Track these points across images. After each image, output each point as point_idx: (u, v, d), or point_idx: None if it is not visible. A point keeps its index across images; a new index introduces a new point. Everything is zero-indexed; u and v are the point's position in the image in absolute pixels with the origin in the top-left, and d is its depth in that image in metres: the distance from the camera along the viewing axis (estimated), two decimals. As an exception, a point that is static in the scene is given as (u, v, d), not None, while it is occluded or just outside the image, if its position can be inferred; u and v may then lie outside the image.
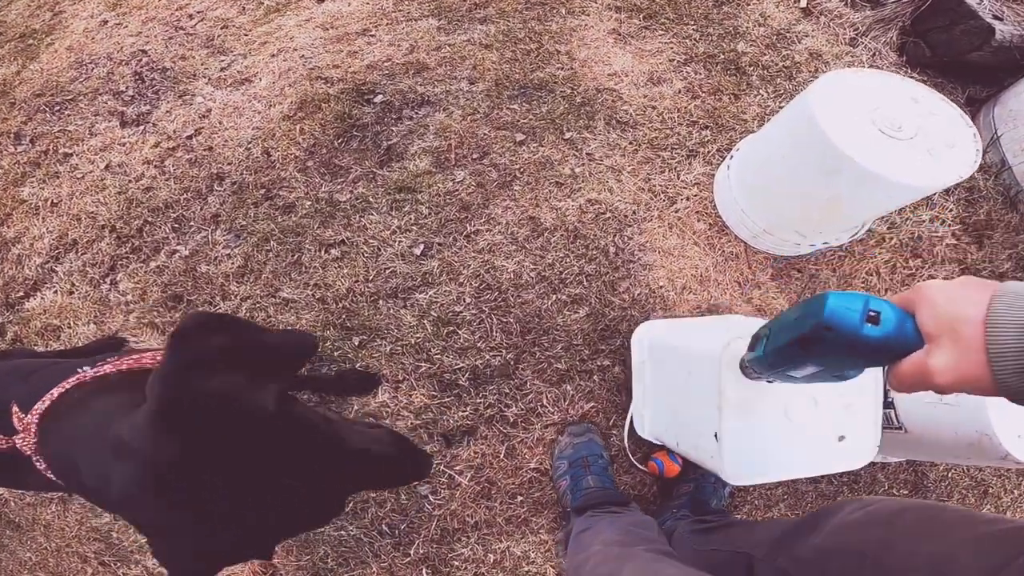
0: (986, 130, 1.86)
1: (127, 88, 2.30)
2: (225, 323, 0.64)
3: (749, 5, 2.24)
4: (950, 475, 1.49)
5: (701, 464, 1.09)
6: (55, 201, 2.04)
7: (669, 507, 1.32)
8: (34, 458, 0.70)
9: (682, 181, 1.73)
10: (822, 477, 1.42)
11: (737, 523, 1.21)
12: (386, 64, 1.99)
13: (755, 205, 1.54)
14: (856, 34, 2.14)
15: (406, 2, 2.22)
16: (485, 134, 1.79)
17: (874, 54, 2.09)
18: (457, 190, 1.70)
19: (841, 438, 0.95)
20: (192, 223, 1.82)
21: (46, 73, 2.62)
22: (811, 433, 0.94)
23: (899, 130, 1.15)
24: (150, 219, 1.87)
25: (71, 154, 2.16)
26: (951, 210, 1.73)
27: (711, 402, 0.95)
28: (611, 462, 1.38)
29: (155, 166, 1.99)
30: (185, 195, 1.88)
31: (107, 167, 2.06)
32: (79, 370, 0.75)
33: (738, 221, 1.62)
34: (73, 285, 1.84)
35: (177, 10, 2.67)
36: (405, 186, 1.72)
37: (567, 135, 1.79)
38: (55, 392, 0.71)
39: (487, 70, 1.93)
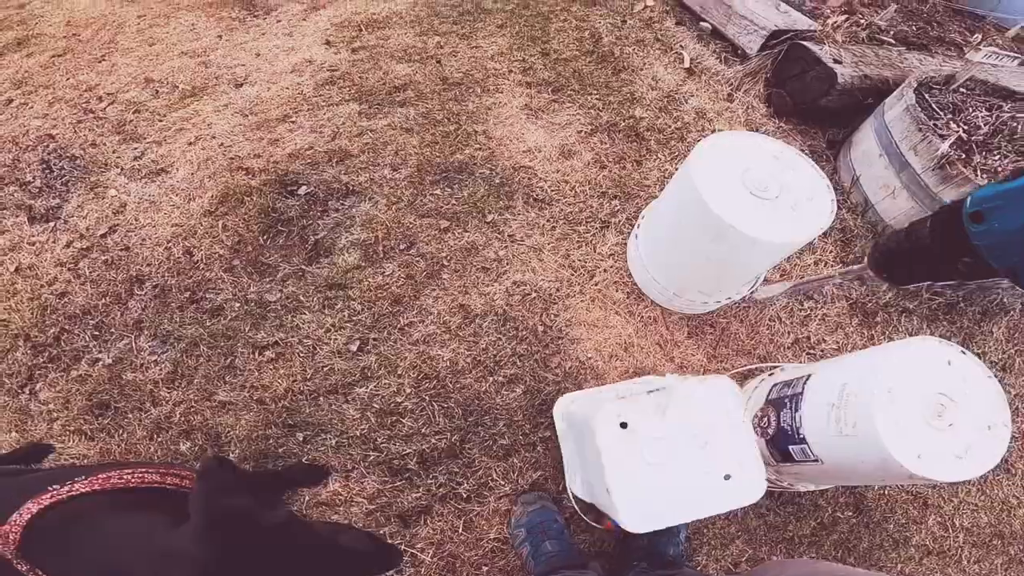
0: (847, 172, 1.99)
1: (34, 178, 2.06)
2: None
3: (642, 71, 2.33)
4: (887, 492, 1.52)
5: (609, 512, 1.10)
6: None
7: (629, 561, 1.30)
8: (15, 562, 0.75)
9: (598, 254, 1.75)
10: (768, 509, 1.44)
11: None
12: (309, 152, 1.89)
13: (661, 271, 1.59)
14: (731, 89, 2.28)
15: (326, 87, 2.15)
16: (411, 223, 1.74)
17: (747, 108, 2.23)
18: (387, 283, 1.64)
19: (727, 477, 1.01)
20: (113, 329, 1.66)
21: (-58, 161, 2.35)
22: (697, 476, 1.00)
23: (766, 190, 1.23)
24: (67, 327, 1.69)
25: None
26: (830, 251, 1.83)
27: (598, 465, 1.01)
28: (567, 525, 1.36)
29: (69, 268, 1.79)
30: (104, 300, 1.71)
31: (17, 270, 1.83)
32: (50, 488, 0.80)
33: (650, 287, 1.66)
34: None
35: (86, 91, 2.45)
36: (335, 283, 1.64)
37: (489, 218, 1.77)
38: (32, 507, 0.77)
39: (409, 155, 1.88)
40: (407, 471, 1.43)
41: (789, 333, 1.70)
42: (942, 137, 1.59)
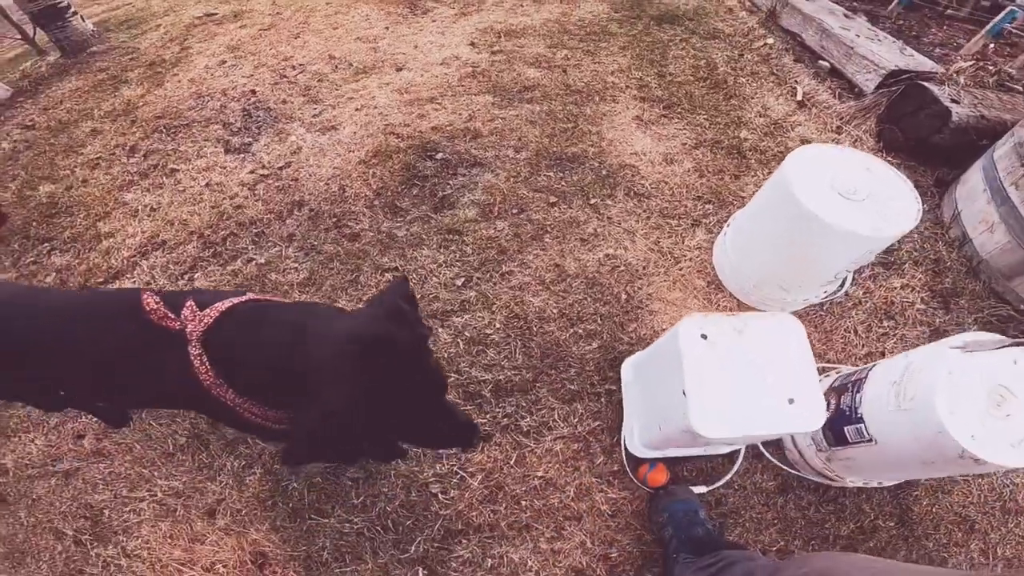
0: (949, 207, 1.94)
1: (235, 121, 2.55)
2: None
3: (753, 99, 2.44)
4: (934, 510, 1.45)
5: (677, 438, 1.14)
6: (154, 207, 2.22)
7: (670, 559, 1.25)
8: (192, 344, 0.83)
9: (686, 245, 1.87)
10: (809, 503, 1.41)
11: (728, 571, 1.09)
12: (448, 128, 2.20)
13: (745, 263, 1.66)
14: (841, 122, 2.29)
15: (468, 79, 2.47)
16: (524, 194, 1.97)
17: (855, 140, 2.23)
18: (497, 236, 1.87)
19: (791, 401, 1.03)
20: (271, 239, 2.00)
21: (168, 99, 2.91)
22: (764, 395, 1.04)
23: (854, 193, 1.30)
24: (236, 231, 2.05)
25: (177, 170, 2.37)
26: (919, 279, 1.81)
27: (677, 371, 1.07)
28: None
29: (248, 188, 2.19)
30: (269, 215, 2.06)
31: (207, 184, 2.26)
32: (247, 294, 0.94)
33: (732, 279, 1.73)
34: (153, 278, 1.97)
35: (283, 60, 2.96)
36: (454, 229, 1.89)
37: (592, 201, 1.97)
38: (232, 301, 0.89)
39: (530, 142, 2.13)
40: (480, 397, 1.52)
41: (863, 346, 1.68)
42: None
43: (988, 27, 2.66)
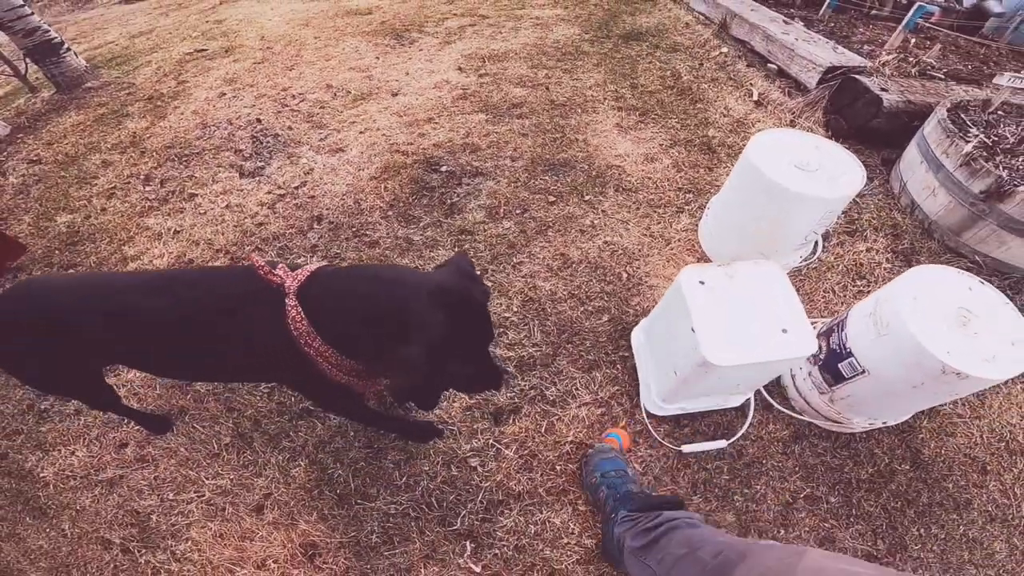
0: (896, 181, 2.20)
1: (245, 147, 2.67)
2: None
3: (716, 101, 2.69)
4: (943, 452, 1.49)
5: (692, 376, 1.23)
6: (177, 230, 2.29)
7: (608, 520, 1.25)
8: (288, 296, 0.92)
9: (674, 229, 2.07)
10: (824, 450, 1.46)
11: (670, 536, 1.03)
12: (448, 144, 2.38)
13: (726, 238, 1.86)
14: (794, 117, 2.57)
15: (460, 100, 2.66)
16: (525, 196, 2.16)
17: (807, 131, 2.41)
18: (505, 234, 2.03)
19: (784, 331, 1.15)
20: (294, 251, 2.11)
21: (174, 130, 3.00)
22: (761, 327, 1.17)
23: (807, 165, 1.52)
24: (260, 247, 2.15)
25: (196, 195, 2.46)
26: (881, 243, 2.00)
27: (684, 315, 1.20)
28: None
29: (267, 207, 2.31)
30: (290, 230, 2.18)
31: (227, 206, 2.36)
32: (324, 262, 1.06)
33: (716, 254, 1.93)
34: None
35: (282, 91, 3.10)
36: (465, 230, 2.05)
37: (587, 197, 2.16)
38: (317, 265, 1.01)
39: (524, 151, 2.33)
40: (506, 373, 1.58)
41: (841, 304, 1.81)
42: (966, 141, 1.84)
43: (903, 23, 2.99)
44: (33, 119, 3.65)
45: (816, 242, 1.97)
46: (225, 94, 3.25)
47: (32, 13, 3.88)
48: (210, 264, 2.10)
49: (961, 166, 1.83)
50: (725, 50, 3.10)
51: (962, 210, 1.86)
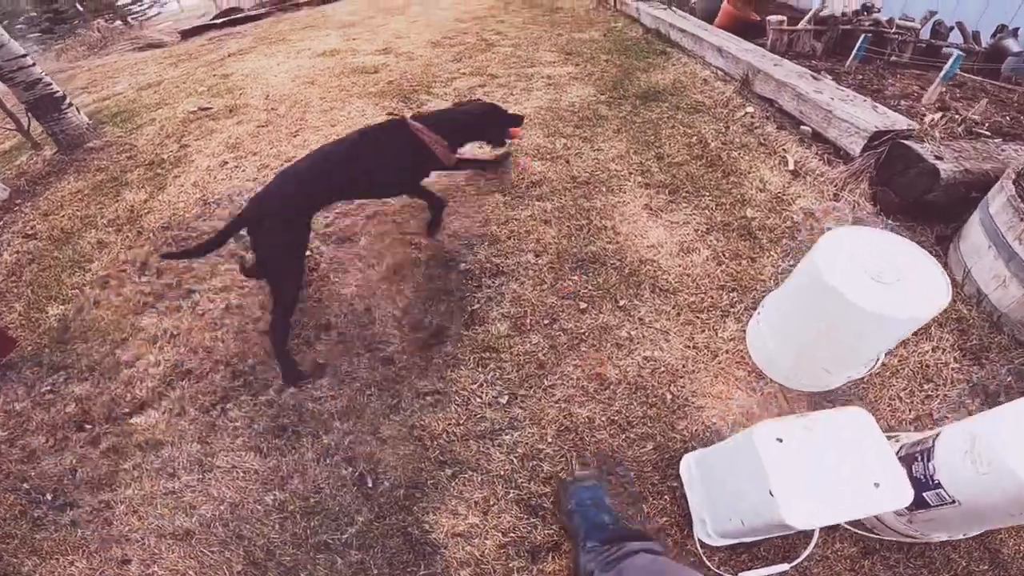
0: (957, 265, 1.89)
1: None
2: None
3: (750, 173, 2.40)
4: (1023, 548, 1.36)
5: (763, 529, 1.13)
6: (174, 333, 2.04)
7: (578, 547, 1.24)
8: (409, 120, 1.88)
9: (720, 337, 1.79)
10: (897, 561, 1.34)
11: (631, 561, 1.08)
12: (465, 234, 2.10)
13: (783, 350, 1.60)
14: (837, 189, 2.26)
15: (475, 178, 2.39)
16: (553, 303, 1.87)
17: (854, 206, 2.19)
18: (534, 351, 1.76)
19: (876, 484, 1.02)
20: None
21: (172, 206, 2.73)
22: (848, 483, 1.03)
23: (883, 275, 1.26)
24: (264, 359, 1.88)
25: (194, 291, 2.19)
26: (947, 339, 1.76)
27: (758, 473, 1.05)
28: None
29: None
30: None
31: (227, 308, 2.09)
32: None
33: (771, 367, 1.67)
34: (183, 409, 1.80)
35: (286, 162, 2.82)
36: (489, 346, 1.77)
37: (621, 302, 1.88)
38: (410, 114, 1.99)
39: (548, 244, 2.04)
40: (542, 509, 1.45)
41: (910, 411, 1.63)
42: None
43: (942, 74, 2.69)
44: (33, 182, 3.43)
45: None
46: (227, 163, 2.98)
47: (34, 64, 3.65)
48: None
49: None
50: (751, 110, 2.82)
51: None
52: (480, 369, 1.73)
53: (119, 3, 13.30)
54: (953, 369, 1.69)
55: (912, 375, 1.68)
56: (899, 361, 1.74)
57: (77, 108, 3.90)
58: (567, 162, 2.48)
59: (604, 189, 2.29)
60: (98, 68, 7.26)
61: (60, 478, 1.65)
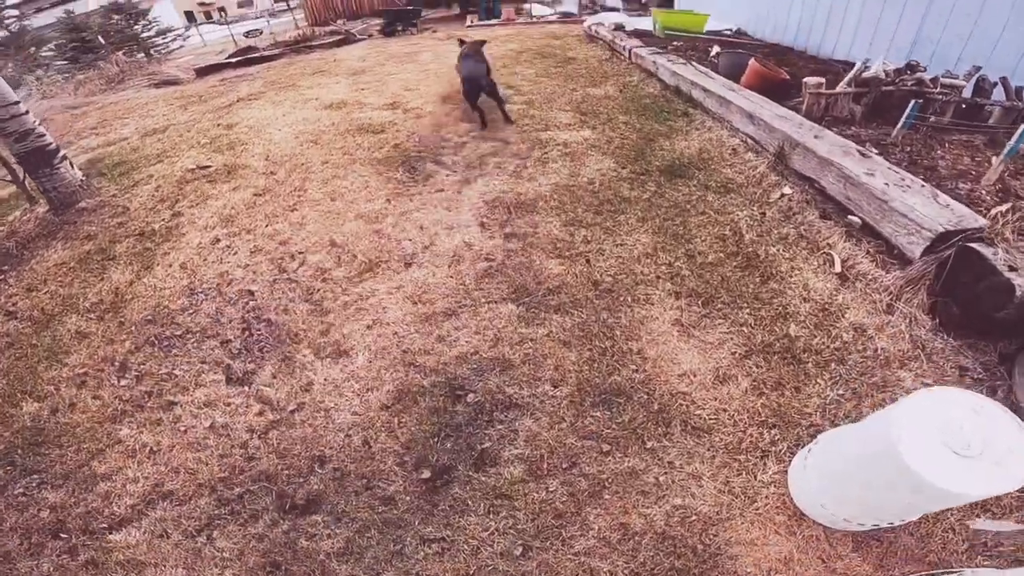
0: (1022, 388, 1.70)
1: (234, 337, 2.24)
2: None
3: (791, 278, 2.21)
4: None
5: None
6: (154, 449, 1.91)
7: None
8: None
9: (759, 481, 1.61)
10: None
11: None
12: (474, 356, 1.93)
13: (837, 500, 1.46)
14: (891, 298, 2.03)
15: (485, 279, 2.23)
16: (572, 444, 1.69)
17: (910, 320, 1.97)
18: (551, 499, 1.59)
19: None
20: (296, 500, 1.69)
21: (158, 293, 2.60)
22: None
23: (968, 448, 1.14)
24: (251, 488, 1.73)
25: (175, 403, 2.04)
26: None
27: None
28: None
29: (259, 435, 1.87)
30: (288, 471, 1.75)
31: (211, 426, 1.93)
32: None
33: (818, 512, 1.52)
34: (165, 532, 1.68)
35: (281, 244, 2.68)
36: (502, 493, 1.61)
37: (648, 444, 1.69)
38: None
39: (568, 371, 1.86)
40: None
41: (964, 541, 1.50)
42: None
43: (1006, 150, 2.45)
44: (22, 245, 3.37)
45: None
46: (219, 240, 2.86)
47: (27, 112, 3.58)
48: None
49: None
50: (788, 191, 2.64)
51: None
52: (491, 516, 1.58)
53: (143, 35, 13.56)
54: (1013, 497, 1.54)
55: (969, 506, 1.53)
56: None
57: (71, 162, 3.83)
58: (588, 262, 2.31)
59: (629, 298, 2.12)
60: (111, 106, 7.33)
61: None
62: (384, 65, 6.85)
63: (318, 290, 2.36)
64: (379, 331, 2.10)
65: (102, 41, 12.87)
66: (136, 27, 13.72)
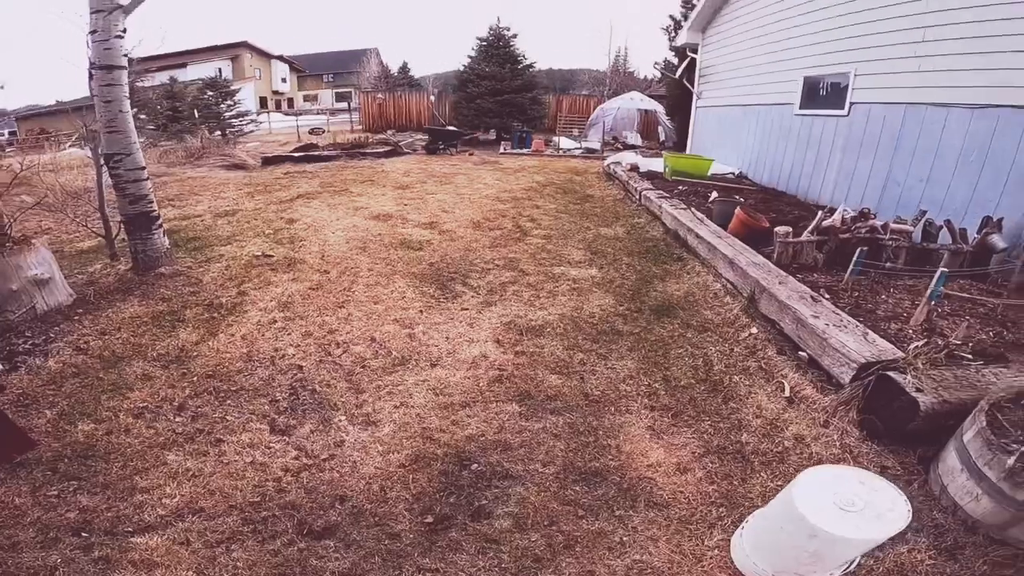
0: (936, 483, 2.20)
1: (282, 399, 2.81)
2: None
3: (748, 399, 2.79)
4: None
5: None
6: (196, 473, 2.30)
7: None
8: None
9: (706, 545, 2.03)
10: None
11: None
12: (480, 438, 2.49)
13: (764, 558, 1.85)
14: (827, 416, 2.58)
15: (496, 384, 2.86)
16: (554, 507, 2.17)
17: (842, 433, 2.50)
18: (532, 547, 2.00)
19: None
20: (315, 527, 2.07)
21: (220, 355, 3.21)
22: None
23: (852, 505, 1.62)
24: (276, 513, 2.12)
25: (223, 440, 2.52)
26: (923, 541, 1.99)
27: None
28: None
29: (292, 474, 2.33)
30: (311, 504, 2.17)
31: (251, 462, 2.40)
32: None
33: (751, 569, 1.89)
34: (188, 540, 1.98)
35: (328, 333, 3.37)
36: (491, 539, 2.03)
37: (617, 512, 2.16)
38: None
39: (557, 456, 2.40)
40: None
41: None
42: (1009, 453, 1.88)
43: (927, 295, 3.05)
44: (99, 295, 3.93)
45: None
46: (276, 322, 3.56)
47: (148, 179, 4.23)
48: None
49: (1005, 479, 1.88)
50: (755, 331, 3.32)
51: (1007, 513, 1.91)
52: (480, 556, 1.97)
53: (225, 116, 15.31)
54: (928, 565, 1.92)
55: (887, 572, 1.90)
56: (874, 561, 1.95)
57: (164, 231, 4.50)
58: (582, 378, 2.97)
59: (613, 409, 2.72)
60: (188, 180, 8.60)
61: (36, 573, 1.80)
62: (425, 183, 8.20)
63: (357, 373, 2.99)
64: (404, 411, 2.68)
65: (196, 115, 14.45)
66: (222, 105, 15.32)
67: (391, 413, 2.67)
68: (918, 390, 2.34)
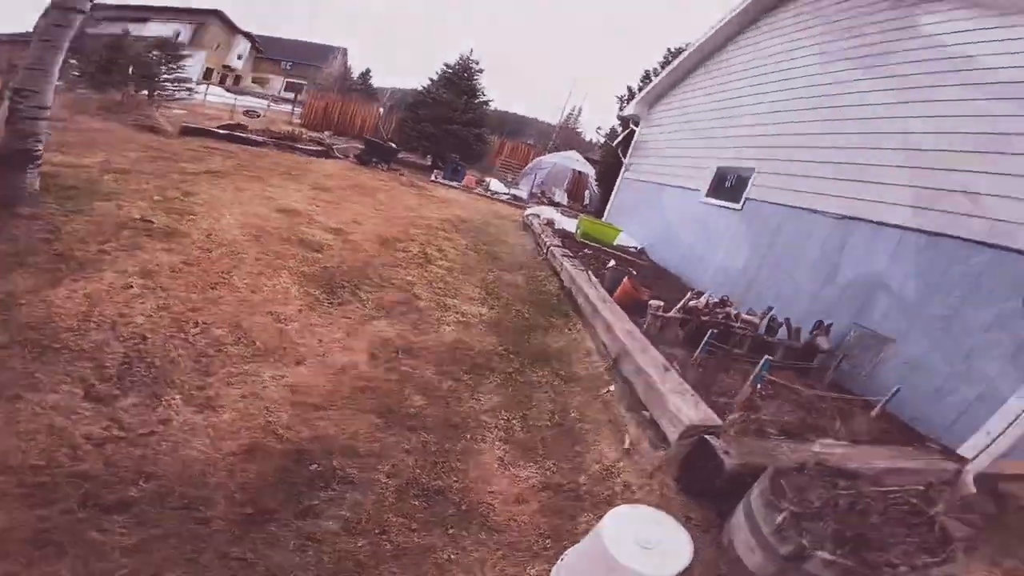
0: (727, 536, 2.48)
1: (111, 366, 2.57)
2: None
3: (593, 446, 3.01)
4: None
5: None
6: None
7: None
8: None
9: (528, 573, 2.12)
10: None
11: None
12: (328, 441, 2.45)
13: None
14: (653, 468, 2.86)
15: (359, 394, 2.84)
16: (388, 518, 2.17)
17: (662, 484, 2.77)
18: (357, 552, 1.98)
19: None
20: (105, 500, 1.91)
21: (51, 309, 2.87)
22: None
23: (648, 543, 1.86)
24: (60, 481, 1.94)
25: (20, 397, 2.26)
26: None
27: None
28: None
29: (94, 444, 2.13)
30: (109, 477, 2.00)
31: (49, 424, 2.16)
32: None
33: None
34: None
35: (190, 311, 3.15)
36: (314, 538, 1.98)
37: (450, 531, 2.20)
38: None
39: (403, 470, 2.42)
40: None
41: None
42: (779, 511, 2.19)
43: (751, 379, 3.55)
44: None
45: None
46: (132, 287, 3.26)
47: (47, 120, 4.07)
48: None
49: (773, 534, 2.17)
50: (613, 389, 3.62)
51: (773, 566, 2.18)
52: (298, 553, 1.92)
53: (162, 77, 14.19)
54: None
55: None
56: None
57: (38, 172, 4.17)
58: (447, 404, 3.04)
59: (469, 436, 2.81)
60: (91, 131, 7.73)
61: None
62: (346, 191, 8.05)
63: (209, 356, 2.82)
64: (252, 401, 2.57)
65: (131, 72, 13.24)
66: (162, 67, 14.26)
67: (236, 402, 2.54)
68: (726, 453, 2.70)
